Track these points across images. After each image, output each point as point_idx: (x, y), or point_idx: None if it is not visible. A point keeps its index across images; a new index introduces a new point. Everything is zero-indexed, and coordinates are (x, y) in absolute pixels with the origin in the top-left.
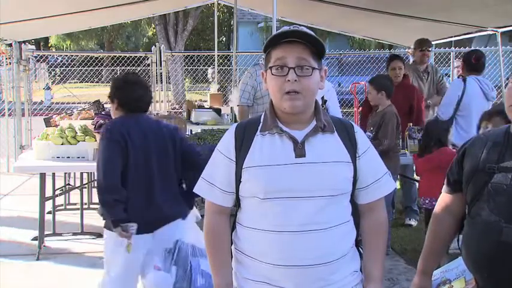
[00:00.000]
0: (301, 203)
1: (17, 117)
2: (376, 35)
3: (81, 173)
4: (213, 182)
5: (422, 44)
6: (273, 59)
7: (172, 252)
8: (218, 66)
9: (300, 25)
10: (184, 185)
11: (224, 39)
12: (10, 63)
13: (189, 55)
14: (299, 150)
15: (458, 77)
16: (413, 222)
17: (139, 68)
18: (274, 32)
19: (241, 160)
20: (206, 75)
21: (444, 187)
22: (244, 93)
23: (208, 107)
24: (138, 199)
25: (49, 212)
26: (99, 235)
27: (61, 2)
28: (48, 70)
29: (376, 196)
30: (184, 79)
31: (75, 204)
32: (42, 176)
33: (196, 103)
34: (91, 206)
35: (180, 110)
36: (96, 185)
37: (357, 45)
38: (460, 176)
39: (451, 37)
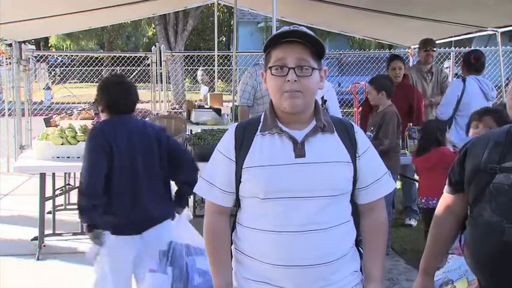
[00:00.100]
0: (301, 203)
1: (17, 117)
2: (376, 35)
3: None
4: (213, 182)
5: (427, 44)
6: (273, 59)
7: (167, 254)
8: (218, 66)
9: (300, 25)
10: (175, 185)
11: (224, 39)
12: (10, 63)
13: (189, 55)
14: (299, 150)
15: (457, 77)
16: (413, 222)
17: (139, 68)
18: (274, 32)
19: (241, 160)
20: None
21: (446, 187)
22: (244, 93)
23: (208, 107)
24: (124, 200)
25: (49, 212)
26: None
27: (61, 2)
28: (48, 70)
29: (376, 196)
30: (184, 79)
31: (75, 204)
32: (42, 176)
33: (196, 103)
34: None
35: (180, 110)
36: (78, 188)
37: (357, 45)
38: (462, 176)
39: (451, 37)
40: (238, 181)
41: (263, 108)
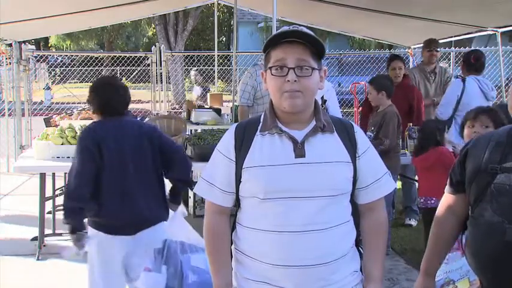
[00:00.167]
0: (301, 203)
1: (17, 117)
2: (376, 35)
3: None
4: (213, 182)
5: (431, 44)
6: (273, 60)
7: (161, 252)
8: (218, 66)
9: (300, 25)
10: (170, 182)
11: (224, 39)
12: (10, 63)
13: (189, 55)
14: (299, 150)
15: (457, 77)
16: (413, 222)
17: (139, 68)
18: (274, 32)
19: (241, 160)
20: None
21: (447, 188)
22: (244, 93)
23: (208, 107)
24: (114, 201)
25: (49, 212)
26: None
27: (61, 2)
28: (48, 70)
29: (376, 196)
30: (184, 79)
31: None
32: (42, 176)
33: (196, 103)
34: None
35: (180, 110)
36: (64, 189)
37: (357, 45)
38: (463, 176)
39: (451, 37)
40: (238, 181)
41: (263, 108)
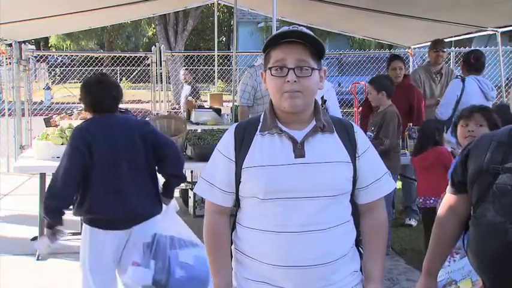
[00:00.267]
0: (301, 203)
1: (17, 117)
2: (376, 35)
3: None
4: (212, 182)
5: (437, 45)
6: (273, 60)
7: (150, 247)
8: (218, 66)
9: (300, 25)
10: (162, 177)
11: (224, 39)
12: (10, 63)
13: (189, 55)
14: (298, 150)
15: (456, 77)
16: (413, 222)
17: (139, 68)
18: (274, 32)
19: (241, 160)
20: (206, 74)
21: (448, 188)
22: (244, 93)
23: (208, 107)
24: (107, 199)
25: None
26: None
27: (61, 2)
28: (48, 70)
29: (376, 196)
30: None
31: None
32: (42, 176)
33: (196, 103)
34: None
35: (180, 110)
36: (48, 185)
37: (357, 45)
38: (465, 177)
39: (451, 37)
40: (238, 181)
41: (263, 109)
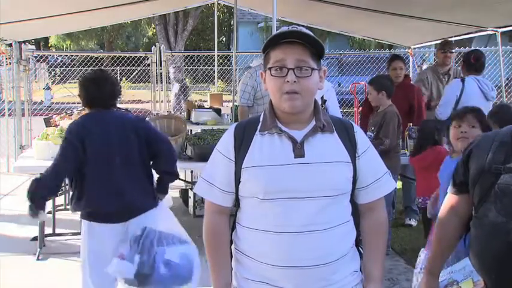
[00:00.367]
0: (301, 203)
1: (17, 117)
2: (376, 35)
3: None
4: (212, 181)
5: (445, 46)
6: (272, 60)
7: (138, 241)
8: (218, 66)
9: (300, 25)
10: (156, 173)
11: (224, 39)
12: (10, 63)
13: (189, 55)
14: (298, 150)
15: (456, 77)
16: (413, 222)
17: (139, 68)
18: (274, 32)
19: (241, 160)
20: (206, 74)
21: (450, 188)
22: (244, 93)
23: (208, 107)
24: (101, 191)
25: (49, 212)
26: None
27: (61, 2)
28: (48, 70)
29: (376, 196)
30: (184, 79)
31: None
32: None
33: (196, 103)
34: None
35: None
36: (40, 174)
37: (357, 45)
38: (466, 177)
39: (451, 37)
40: (237, 181)
41: (263, 109)
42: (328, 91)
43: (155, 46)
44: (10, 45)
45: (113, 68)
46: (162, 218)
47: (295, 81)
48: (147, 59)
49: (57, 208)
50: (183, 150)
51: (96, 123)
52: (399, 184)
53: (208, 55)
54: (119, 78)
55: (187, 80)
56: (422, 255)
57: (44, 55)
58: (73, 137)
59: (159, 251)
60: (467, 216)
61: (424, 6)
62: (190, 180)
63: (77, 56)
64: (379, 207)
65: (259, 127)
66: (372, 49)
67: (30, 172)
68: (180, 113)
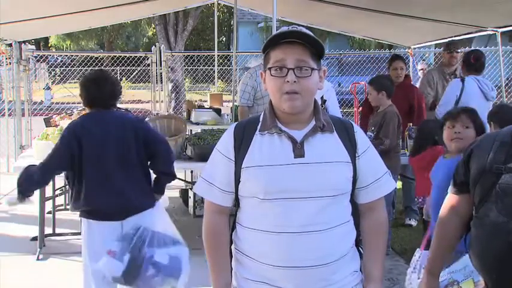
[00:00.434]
0: (301, 203)
1: (17, 117)
2: (376, 35)
3: None
4: (212, 181)
5: (451, 46)
6: (272, 60)
7: (130, 239)
8: (218, 66)
9: (300, 25)
10: (153, 174)
11: (224, 39)
12: (10, 63)
13: (189, 55)
14: (298, 150)
15: (455, 77)
16: (413, 222)
17: (139, 68)
18: (274, 32)
19: (241, 160)
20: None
21: (450, 188)
22: (244, 93)
23: (208, 107)
24: (98, 190)
25: (49, 212)
26: None
27: (61, 2)
28: (48, 70)
29: (376, 196)
30: (184, 79)
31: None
32: None
33: (196, 103)
34: None
35: (180, 110)
36: (39, 165)
37: (357, 45)
38: (467, 177)
39: (451, 37)
40: (237, 181)
41: (263, 109)
42: (328, 91)
43: (155, 46)
44: (10, 45)
45: (113, 68)
46: (157, 218)
47: (295, 81)
48: (147, 59)
49: (57, 208)
50: (183, 150)
51: (95, 123)
52: (399, 184)
53: (208, 55)
54: (119, 78)
55: (186, 80)
56: (417, 255)
57: (44, 55)
58: (70, 136)
59: (149, 252)
60: (468, 216)
61: (424, 6)
62: (190, 180)
63: (77, 56)
64: (379, 207)
65: (259, 127)
66: (372, 49)
67: None
68: (175, 113)
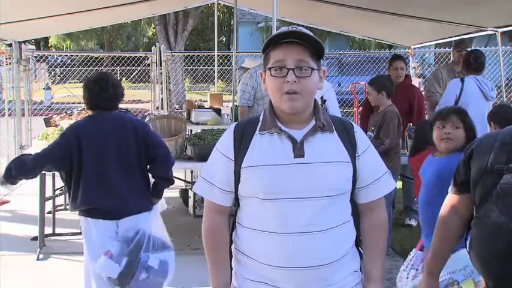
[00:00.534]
0: (301, 203)
1: (17, 117)
2: (376, 35)
3: None
4: (212, 181)
5: (460, 45)
6: (272, 60)
7: (129, 242)
8: (218, 66)
9: (299, 25)
10: (152, 177)
11: (224, 39)
12: (10, 63)
13: (189, 55)
14: (298, 150)
15: (455, 77)
16: (413, 222)
17: (139, 68)
18: (274, 32)
19: (240, 159)
20: (206, 74)
21: (451, 187)
22: (244, 93)
23: (208, 107)
24: (96, 189)
25: (49, 212)
26: None
27: (61, 2)
28: (48, 70)
29: (376, 195)
30: (184, 79)
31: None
32: (42, 176)
33: (196, 103)
34: None
35: (180, 110)
36: (34, 155)
37: (357, 45)
38: (468, 177)
39: (451, 37)
40: (237, 180)
41: (263, 109)
42: (327, 91)
43: (155, 46)
44: (10, 45)
45: (113, 68)
46: (154, 221)
47: (295, 81)
48: (147, 59)
49: (57, 208)
50: (183, 150)
51: (96, 125)
52: (399, 184)
53: (208, 55)
54: (119, 78)
55: (186, 80)
56: (412, 254)
57: (44, 55)
58: (71, 135)
59: (144, 257)
60: (469, 216)
61: (424, 6)
62: (190, 180)
63: (77, 56)
64: (379, 207)
65: (258, 127)
66: (372, 49)
67: None
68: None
